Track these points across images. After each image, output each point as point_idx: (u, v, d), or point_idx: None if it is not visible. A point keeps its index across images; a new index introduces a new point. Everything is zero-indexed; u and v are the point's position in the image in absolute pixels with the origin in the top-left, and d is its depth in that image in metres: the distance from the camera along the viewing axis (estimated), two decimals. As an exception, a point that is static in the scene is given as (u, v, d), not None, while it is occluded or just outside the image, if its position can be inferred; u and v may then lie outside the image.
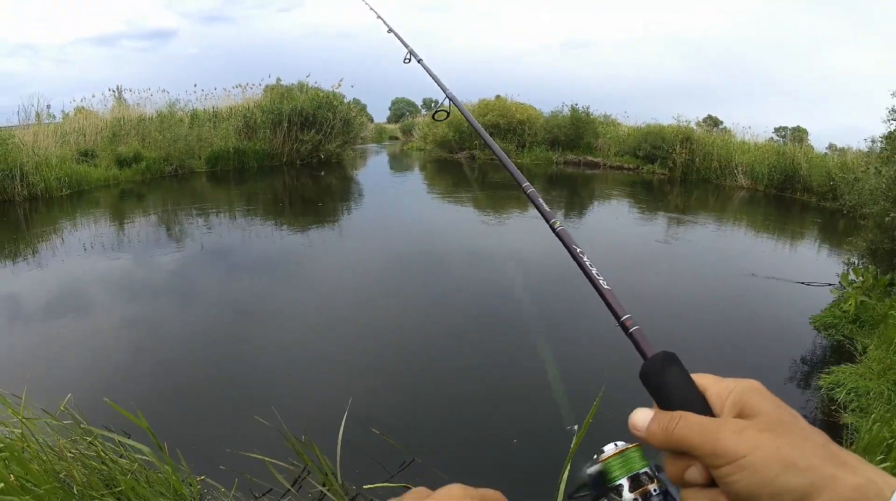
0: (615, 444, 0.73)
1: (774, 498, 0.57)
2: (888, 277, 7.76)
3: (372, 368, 6.20)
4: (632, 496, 0.70)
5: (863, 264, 8.63)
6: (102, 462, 3.22)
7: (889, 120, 8.81)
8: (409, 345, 6.85)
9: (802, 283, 9.66)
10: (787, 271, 10.39)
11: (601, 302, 0.85)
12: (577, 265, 0.92)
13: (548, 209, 1.07)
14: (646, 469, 0.71)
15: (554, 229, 1.03)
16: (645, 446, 0.71)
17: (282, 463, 3.94)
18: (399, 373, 6.13)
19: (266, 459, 3.81)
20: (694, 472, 0.63)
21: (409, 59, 2.54)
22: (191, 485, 3.50)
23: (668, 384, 0.70)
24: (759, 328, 7.73)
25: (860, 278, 7.97)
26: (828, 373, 6.09)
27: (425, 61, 2.41)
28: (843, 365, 6.24)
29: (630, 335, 0.79)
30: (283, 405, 5.12)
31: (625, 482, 0.70)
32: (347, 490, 3.92)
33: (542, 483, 4.08)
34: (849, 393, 5.58)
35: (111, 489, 3.05)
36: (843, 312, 7.53)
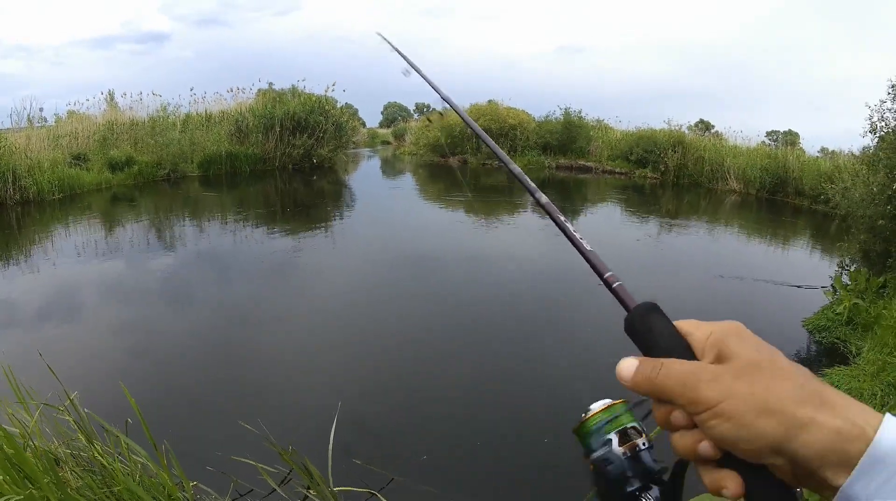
0: (602, 402, 0.75)
1: (751, 443, 0.58)
2: (881, 279, 7.79)
3: (364, 373, 6.20)
4: (621, 449, 0.72)
5: (854, 265, 8.65)
6: (101, 463, 3.20)
7: (868, 132, 8.91)
8: (401, 350, 6.84)
9: (794, 286, 9.68)
10: (778, 274, 10.42)
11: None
12: (566, 241, 0.93)
13: (532, 185, 1.08)
14: (633, 424, 0.73)
15: (539, 202, 1.03)
16: (631, 400, 0.74)
17: (272, 469, 3.92)
18: (392, 378, 6.13)
19: (260, 466, 3.80)
20: (678, 416, 0.64)
21: (409, 73, 2.54)
22: (184, 490, 3.48)
23: (651, 332, 0.71)
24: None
25: (853, 280, 8.00)
26: (822, 375, 6.08)
27: (425, 71, 2.40)
28: (836, 367, 6.25)
29: (613, 291, 0.80)
30: (275, 411, 5.13)
31: (613, 436, 0.72)
32: (339, 496, 3.91)
33: (546, 492, 4.09)
34: (843, 395, 5.60)
35: (108, 488, 3.03)
36: (836, 314, 7.55)
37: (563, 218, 0.94)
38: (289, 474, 3.95)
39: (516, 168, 1.20)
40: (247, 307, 8.07)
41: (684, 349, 0.68)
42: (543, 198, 1.02)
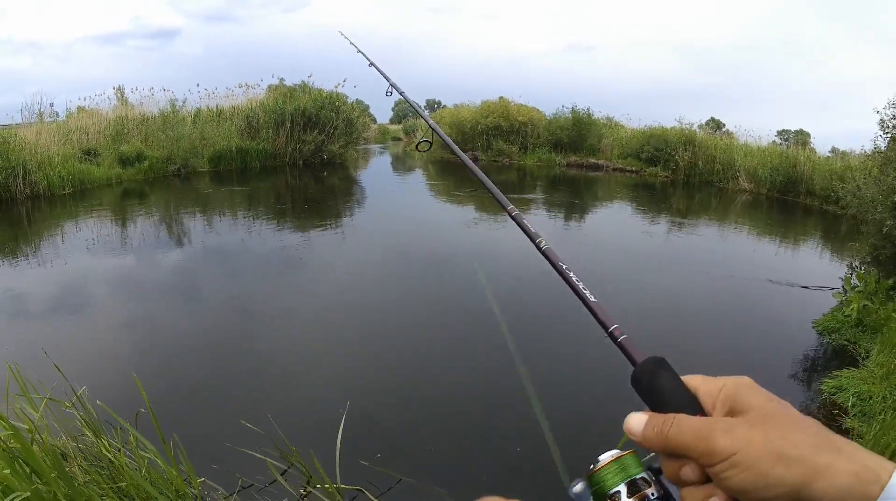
0: (611, 453, 0.74)
1: (769, 491, 0.57)
2: (891, 281, 7.74)
3: (374, 370, 6.20)
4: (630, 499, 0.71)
5: (865, 268, 8.62)
6: (110, 459, 3.22)
7: (880, 135, 8.92)
8: (411, 347, 6.84)
9: (803, 287, 9.65)
10: (788, 275, 10.39)
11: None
12: (564, 282, 0.94)
13: (533, 230, 1.09)
14: (642, 475, 0.71)
15: (540, 248, 1.06)
16: (640, 451, 0.72)
17: (280, 465, 3.93)
18: (401, 375, 6.13)
19: (269, 461, 3.81)
20: (689, 471, 0.64)
21: (391, 93, 2.56)
22: (192, 486, 3.49)
23: (659, 387, 0.72)
24: (761, 332, 7.73)
25: (862, 282, 7.96)
26: (831, 377, 6.07)
27: (407, 94, 2.42)
28: (846, 369, 6.22)
29: (619, 345, 0.81)
30: (284, 407, 5.14)
31: (622, 488, 0.71)
32: (346, 494, 3.91)
33: (552, 493, 4.09)
34: (852, 398, 5.57)
35: (115, 483, 3.04)
36: (846, 316, 7.51)
37: (564, 266, 0.95)
38: (288, 469, 3.95)
39: (514, 210, 1.22)
40: (256, 303, 8.08)
41: (693, 405, 0.68)
42: (544, 243, 1.04)
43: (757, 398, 0.64)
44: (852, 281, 8.20)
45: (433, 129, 1.93)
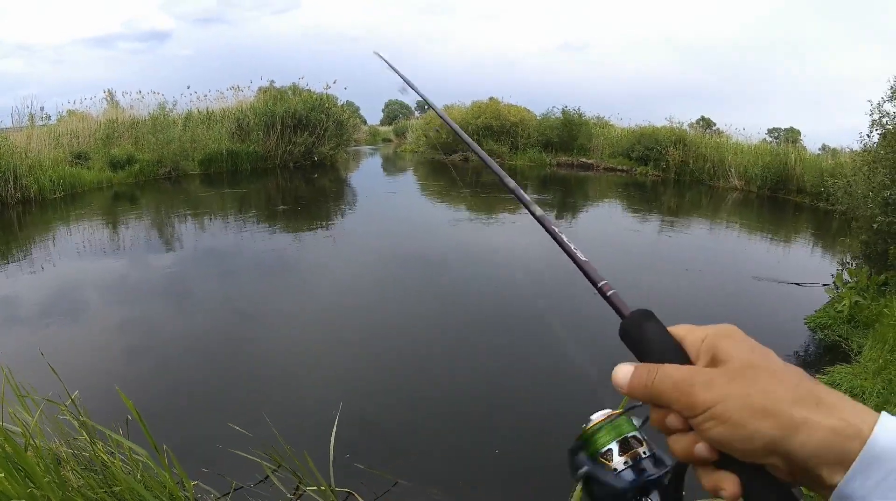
0: (602, 412, 0.77)
1: (747, 443, 0.58)
2: (882, 277, 7.78)
3: (366, 371, 6.20)
4: (622, 459, 0.74)
5: (856, 264, 8.65)
6: (103, 463, 3.21)
7: (869, 133, 8.99)
8: (402, 348, 6.84)
9: (795, 284, 9.68)
10: (780, 272, 10.42)
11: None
12: (559, 247, 0.95)
13: (528, 198, 1.10)
14: (634, 434, 0.74)
15: (535, 215, 1.06)
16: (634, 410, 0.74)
17: (273, 467, 3.92)
18: (394, 376, 6.12)
19: (264, 464, 3.80)
20: (673, 419, 0.64)
21: (406, 90, 2.56)
22: (185, 489, 3.48)
23: (646, 338, 0.72)
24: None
25: (854, 278, 7.99)
26: (823, 373, 6.09)
27: (428, 96, 2.42)
28: (838, 365, 6.25)
29: (608, 299, 0.81)
30: (277, 409, 5.12)
31: (614, 446, 0.74)
32: (341, 496, 3.91)
33: (549, 493, 4.10)
34: (844, 393, 5.58)
35: (109, 488, 3.03)
36: (838, 312, 7.54)
37: (556, 229, 0.95)
38: (278, 470, 3.95)
39: (511, 182, 1.22)
40: (248, 305, 8.07)
41: (679, 354, 0.68)
42: (538, 211, 1.04)
43: (738, 347, 0.64)
44: (844, 277, 8.23)
45: (448, 123, 1.93)
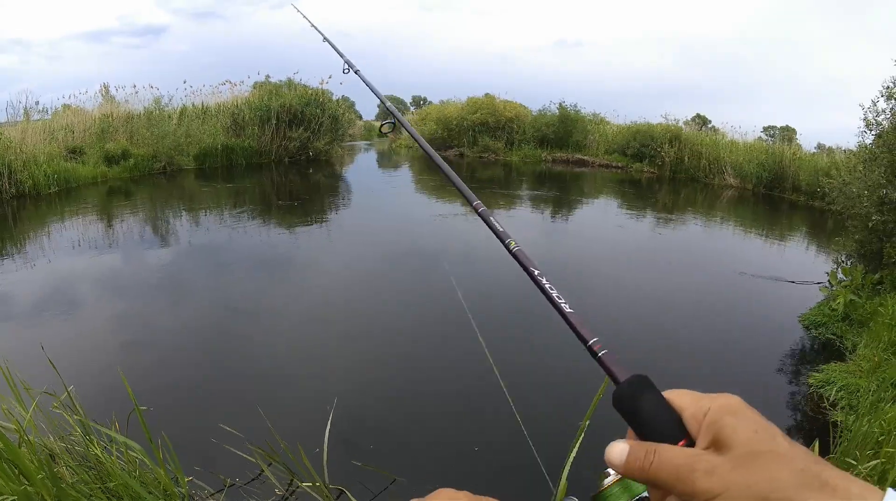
0: (607, 471, 0.73)
1: None
2: (877, 275, 7.79)
3: (361, 367, 6.19)
4: None
5: (851, 262, 8.66)
6: (97, 458, 3.20)
7: (864, 131, 9.00)
8: (397, 342, 6.84)
9: (790, 281, 9.70)
10: (775, 270, 10.43)
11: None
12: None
13: (501, 230, 1.05)
14: (645, 493, 0.71)
15: (509, 250, 1.01)
16: None
17: (265, 464, 3.92)
18: (390, 371, 6.12)
19: (258, 461, 3.80)
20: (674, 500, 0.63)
21: (347, 71, 2.54)
22: (180, 485, 3.47)
23: (642, 410, 0.69)
24: (747, 327, 7.76)
25: (848, 276, 8.01)
26: (818, 371, 6.11)
27: (363, 72, 2.40)
28: (832, 363, 6.27)
29: (599, 360, 0.78)
30: (269, 406, 5.11)
31: None
32: (334, 493, 3.91)
33: (541, 490, 4.09)
34: (839, 391, 5.61)
35: (103, 484, 3.03)
36: (832, 310, 7.56)
37: (537, 272, 0.91)
38: (270, 466, 3.94)
39: (481, 206, 1.16)
40: (243, 301, 8.05)
41: (678, 428, 0.66)
42: (514, 245, 0.99)
43: (742, 430, 0.62)
44: (838, 276, 8.25)
45: (392, 111, 1.90)
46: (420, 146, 1.45)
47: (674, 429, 0.66)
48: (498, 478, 4.44)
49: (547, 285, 0.89)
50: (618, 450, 0.66)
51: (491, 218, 1.12)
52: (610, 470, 0.73)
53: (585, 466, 0.73)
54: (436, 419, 5.24)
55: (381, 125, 2.00)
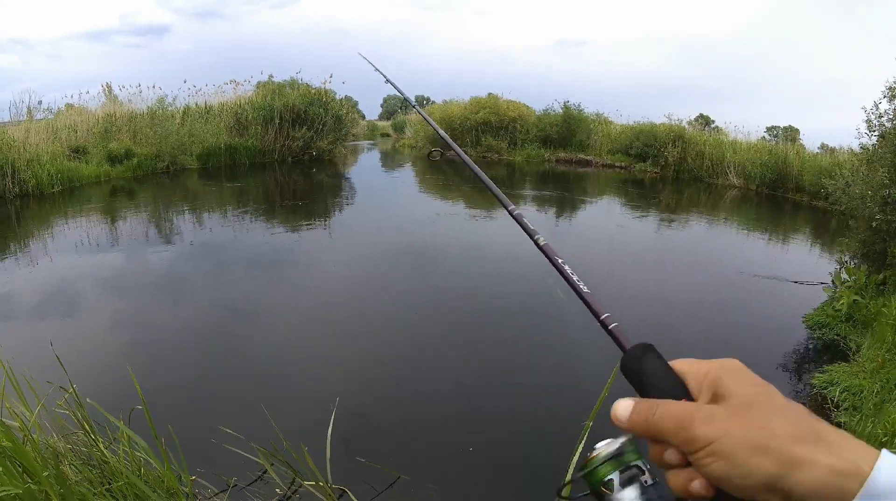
0: (606, 441, 0.75)
1: (746, 479, 0.58)
2: (880, 276, 7.78)
3: (365, 366, 6.19)
4: (623, 488, 0.72)
5: (855, 263, 8.65)
6: (101, 457, 3.20)
7: (866, 133, 8.99)
8: (400, 343, 6.84)
9: (794, 282, 9.69)
10: (778, 270, 10.42)
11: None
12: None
13: (531, 227, 1.12)
14: (637, 462, 0.72)
15: (538, 244, 1.07)
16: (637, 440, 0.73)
17: (268, 462, 3.92)
18: (392, 371, 6.12)
19: (261, 459, 3.80)
20: (672, 455, 0.65)
21: (405, 108, 2.62)
22: (184, 484, 3.48)
23: (647, 372, 0.72)
24: (750, 327, 7.75)
25: (852, 276, 7.99)
26: (821, 372, 6.10)
27: (421, 109, 2.48)
28: (836, 364, 6.26)
29: (609, 332, 0.83)
30: (273, 404, 5.11)
31: (615, 476, 0.72)
32: (337, 492, 3.91)
33: (543, 490, 4.09)
34: (842, 392, 5.60)
35: (108, 484, 3.03)
36: (836, 311, 7.54)
37: (560, 259, 0.96)
38: (273, 466, 3.94)
39: (514, 208, 1.25)
40: (246, 300, 8.06)
41: (680, 389, 0.69)
42: (542, 240, 1.05)
43: (741, 383, 0.64)
44: (842, 276, 8.23)
45: (447, 141, 1.97)
46: (465, 163, 1.55)
47: (676, 389, 0.69)
48: (500, 477, 4.44)
49: (569, 270, 0.96)
50: (623, 405, 0.70)
51: (524, 219, 1.20)
52: (596, 445, 0.74)
53: (594, 445, 0.74)
54: (438, 418, 5.25)
55: (430, 154, 2.07)
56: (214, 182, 19.84)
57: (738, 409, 0.61)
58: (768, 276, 10.01)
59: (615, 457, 0.72)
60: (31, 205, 15.06)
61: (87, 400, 3.52)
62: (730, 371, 0.66)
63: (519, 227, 1.17)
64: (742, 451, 0.58)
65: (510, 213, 1.24)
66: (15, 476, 2.43)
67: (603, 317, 0.84)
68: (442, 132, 1.97)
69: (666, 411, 0.65)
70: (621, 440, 0.73)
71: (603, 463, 0.73)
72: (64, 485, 2.59)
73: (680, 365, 0.72)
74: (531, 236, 1.10)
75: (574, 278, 0.93)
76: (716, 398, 0.64)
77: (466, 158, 1.58)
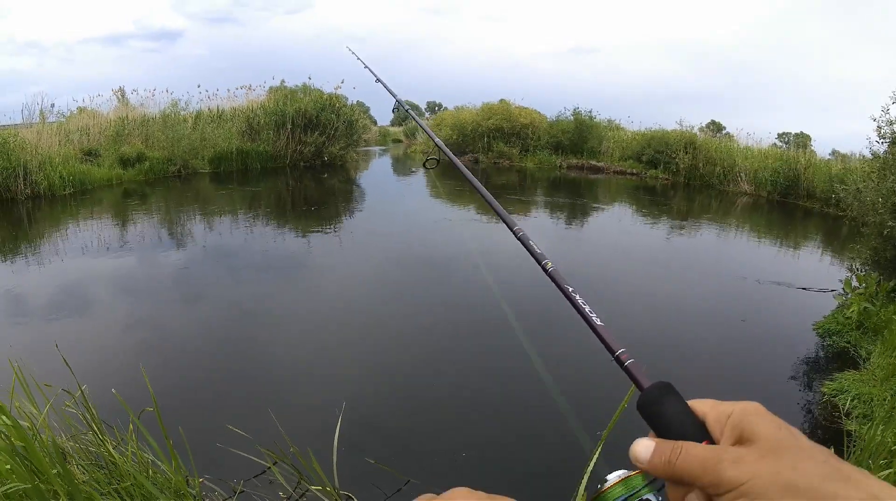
0: (618, 473, 0.73)
1: None
2: (891, 283, 7.74)
3: (373, 371, 6.19)
4: None
5: (865, 270, 8.61)
6: (110, 458, 3.21)
7: (876, 141, 8.96)
8: (409, 348, 6.84)
9: (804, 289, 9.65)
10: (789, 277, 10.38)
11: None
12: (571, 305, 0.94)
13: (539, 251, 1.09)
14: (649, 496, 0.71)
15: (546, 271, 1.05)
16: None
17: (275, 466, 3.92)
18: (400, 376, 6.12)
19: (269, 463, 3.81)
20: (694, 498, 0.64)
21: (397, 109, 2.61)
22: (192, 486, 3.48)
23: (666, 413, 0.70)
24: (761, 334, 7.72)
25: (863, 284, 7.96)
26: (831, 380, 6.07)
27: (410, 102, 2.48)
28: (846, 372, 6.22)
29: (626, 369, 0.80)
30: (280, 408, 5.13)
31: None
32: (344, 497, 3.91)
33: (554, 496, 4.09)
34: (853, 400, 5.57)
35: (117, 484, 3.04)
36: (847, 318, 7.51)
37: (570, 289, 0.94)
38: (278, 467, 3.95)
39: (521, 231, 1.22)
40: (255, 304, 8.07)
41: (701, 431, 0.67)
42: (550, 266, 1.03)
43: (766, 426, 0.63)
44: (853, 283, 8.19)
45: (441, 148, 1.97)
46: (467, 179, 1.54)
47: (697, 431, 0.67)
48: (510, 484, 4.43)
49: (580, 301, 0.93)
50: (643, 446, 0.68)
51: (530, 241, 1.16)
52: (609, 477, 0.73)
53: (604, 477, 0.72)
54: (447, 424, 5.24)
55: (426, 162, 2.07)
56: (226, 187, 19.89)
57: (767, 451, 0.60)
58: (779, 282, 9.97)
59: (628, 491, 0.71)
60: (43, 207, 15.14)
61: (96, 402, 3.53)
62: (753, 414, 0.65)
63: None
64: (773, 491, 0.57)
65: (515, 235, 1.21)
66: (23, 473, 2.45)
67: (618, 353, 0.82)
68: (437, 140, 1.99)
69: (690, 453, 0.64)
70: (633, 472, 0.71)
71: (615, 496, 0.73)
72: (72, 484, 2.60)
73: (700, 406, 0.70)
74: (538, 261, 1.08)
75: (586, 310, 0.91)
76: (740, 441, 0.63)
77: (467, 172, 1.56)
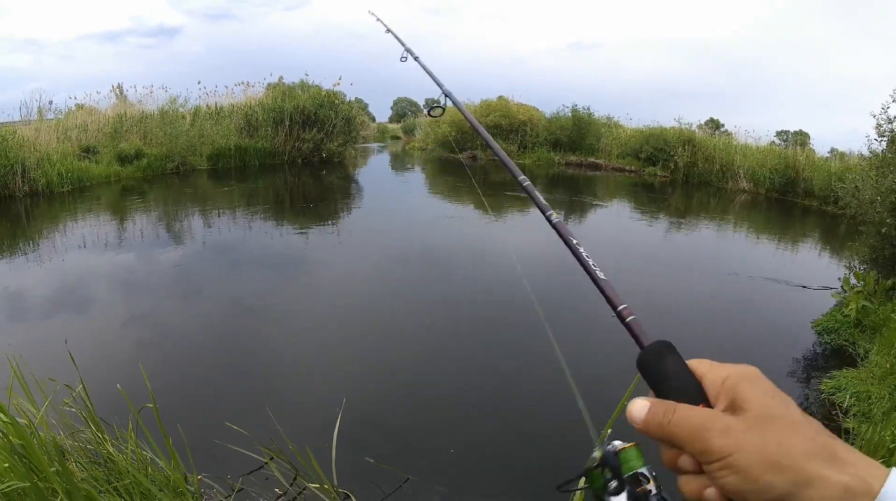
0: (614, 444, 0.74)
1: (759, 495, 0.58)
2: (890, 282, 7.74)
3: (373, 368, 6.17)
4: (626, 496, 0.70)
5: (864, 268, 8.61)
6: (109, 456, 3.21)
7: (875, 139, 8.96)
8: (409, 345, 6.84)
9: (802, 286, 9.65)
10: (787, 275, 10.38)
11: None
12: (574, 258, 0.93)
13: (544, 202, 1.09)
14: (643, 469, 0.71)
15: (550, 221, 1.04)
16: (643, 444, 0.72)
17: (273, 462, 3.92)
18: (400, 373, 6.11)
19: (267, 460, 3.81)
20: (686, 461, 0.65)
21: (406, 58, 2.58)
22: (190, 483, 3.48)
23: (665, 372, 0.71)
24: (759, 332, 7.72)
25: (861, 282, 7.96)
26: (829, 378, 6.07)
27: (422, 59, 2.44)
28: (844, 370, 6.22)
29: (627, 325, 0.80)
30: (280, 405, 5.13)
31: (615, 483, 0.72)
32: (342, 494, 3.90)
33: (554, 492, 4.08)
34: (851, 398, 5.57)
35: (115, 481, 3.04)
36: (845, 316, 7.51)
37: (575, 241, 0.93)
38: (277, 468, 3.95)
39: (528, 183, 1.21)
40: (254, 301, 8.06)
41: (697, 392, 0.68)
42: (554, 217, 1.02)
43: (759, 393, 0.64)
44: (851, 281, 8.20)
45: (447, 94, 1.99)
46: (474, 128, 1.54)
47: (693, 392, 0.68)
48: (511, 479, 4.43)
49: (584, 254, 0.93)
50: (639, 406, 0.69)
51: (535, 192, 1.17)
52: (595, 455, 0.74)
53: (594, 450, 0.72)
54: (447, 421, 5.23)
55: (430, 110, 2.08)
56: (224, 183, 19.88)
57: (755, 422, 0.61)
58: (777, 280, 9.98)
59: (623, 463, 0.71)
60: (41, 204, 15.11)
61: (94, 400, 3.53)
62: (748, 379, 0.66)
63: (532, 202, 1.13)
64: (757, 467, 0.58)
65: (521, 184, 1.22)
66: (22, 471, 2.44)
67: (620, 309, 0.82)
68: (446, 89, 1.99)
69: (682, 417, 0.64)
70: (628, 445, 0.72)
71: (604, 468, 0.73)
72: (70, 482, 2.59)
73: (697, 366, 0.72)
74: (543, 212, 1.08)
75: (590, 263, 0.91)
76: (733, 406, 0.64)
77: (480, 128, 1.57)
